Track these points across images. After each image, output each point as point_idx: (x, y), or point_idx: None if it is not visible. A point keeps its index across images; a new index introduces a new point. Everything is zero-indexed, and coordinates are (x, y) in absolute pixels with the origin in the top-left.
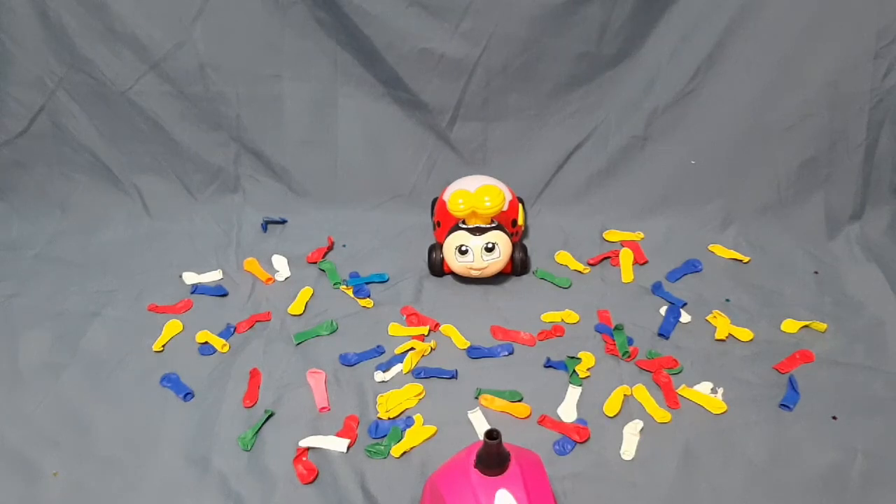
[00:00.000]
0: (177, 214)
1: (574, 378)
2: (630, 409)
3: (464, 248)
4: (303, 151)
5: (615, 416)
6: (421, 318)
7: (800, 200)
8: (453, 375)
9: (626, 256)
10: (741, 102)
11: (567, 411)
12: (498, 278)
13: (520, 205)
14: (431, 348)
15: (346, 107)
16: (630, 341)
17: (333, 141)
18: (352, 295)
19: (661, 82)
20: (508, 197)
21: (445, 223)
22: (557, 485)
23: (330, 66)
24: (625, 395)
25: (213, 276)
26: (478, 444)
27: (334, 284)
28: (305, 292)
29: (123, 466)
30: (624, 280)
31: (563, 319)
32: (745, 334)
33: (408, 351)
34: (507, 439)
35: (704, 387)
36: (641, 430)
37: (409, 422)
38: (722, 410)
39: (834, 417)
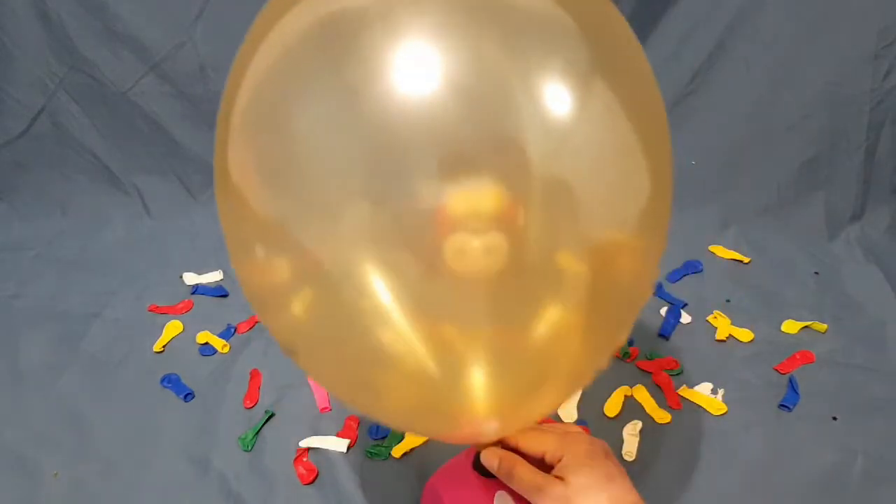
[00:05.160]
0: (177, 215)
1: None
2: (630, 409)
3: None
4: None
5: (615, 416)
6: None
7: (800, 201)
8: None
9: None
10: (741, 102)
11: (567, 412)
12: None
13: None
14: None
15: None
16: (630, 342)
17: None
18: None
19: (661, 82)
20: None
21: None
22: None
23: None
24: (625, 395)
25: (213, 277)
26: None
27: None
28: None
29: (123, 466)
30: None
31: None
32: (745, 335)
33: None
34: None
35: (705, 387)
36: (641, 430)
37: None
38: (722, 411)
39: (834, 418)
